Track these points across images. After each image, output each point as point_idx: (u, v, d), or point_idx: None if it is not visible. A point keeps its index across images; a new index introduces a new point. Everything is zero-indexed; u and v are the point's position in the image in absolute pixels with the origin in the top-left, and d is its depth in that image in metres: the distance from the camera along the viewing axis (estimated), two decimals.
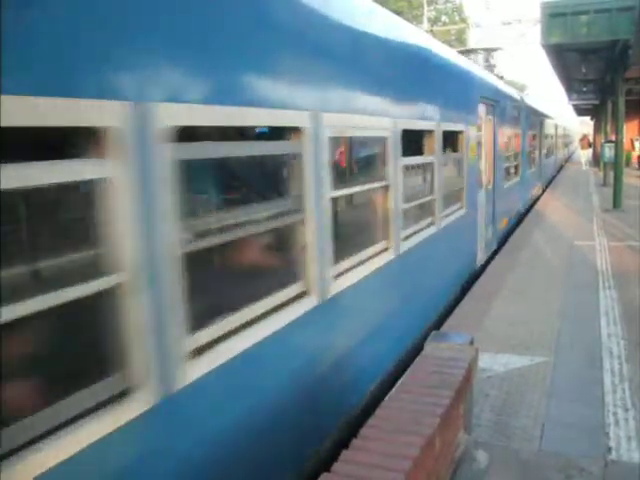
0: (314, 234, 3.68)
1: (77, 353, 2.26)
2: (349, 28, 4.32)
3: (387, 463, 2.56)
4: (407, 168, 5.52)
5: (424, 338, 4.14)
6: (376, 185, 4.95)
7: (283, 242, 3.75)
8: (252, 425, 3.11)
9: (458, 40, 44.15)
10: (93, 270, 2.17)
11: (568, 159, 45.32)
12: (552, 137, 28.27)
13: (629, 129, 27.65)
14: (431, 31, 29.53)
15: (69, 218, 2.41)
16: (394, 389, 3.40)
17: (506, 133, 12.12)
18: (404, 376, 3.63)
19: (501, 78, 15.94)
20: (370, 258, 4.71)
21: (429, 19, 42.54)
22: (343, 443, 3.00)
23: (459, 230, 8.01)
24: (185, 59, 2.61)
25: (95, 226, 2.18)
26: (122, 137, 2.20)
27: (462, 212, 8.09)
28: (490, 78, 11.29)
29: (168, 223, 2.47)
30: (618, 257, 10.10)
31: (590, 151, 37.91)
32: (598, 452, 4.01)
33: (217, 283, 3.15)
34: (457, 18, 49.63)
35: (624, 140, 17.72)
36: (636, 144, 32.13)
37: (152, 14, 2.40)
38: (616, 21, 13.23)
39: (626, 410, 4.59)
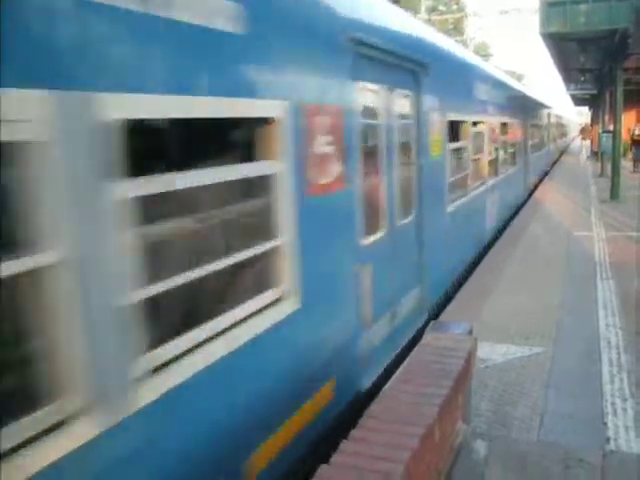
0: None
1: None
2: None
3: (386, 454, 2.54)
4: None
5: None
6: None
7: None
8: None
9: (456, 29, 43.98)
10: None
11: (561, 157, 42.32)
12: (538, 130, 20.08)
13: (627, 119, 27.52)
14: (429, 20, 29.38)
15: None
16: (393, 379, 3.37)
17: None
18: (403, 366, 3.60)
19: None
20: None
21: (426, 8, 42.40)
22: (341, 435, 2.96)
23: None
24: None
25: None
26: None
27: None
28: None
29: None
30: (616, 248, 10.08)
31: (589, 141, 37.89)
32: (597, 442, 4.01)
33: None
34: (454, 7, 49.39)
35: (622, 130, 17.67)
36: (635, 130, 32.05)
37: None
38: (615, 10, 13.14)
39: (624, 400, 4.58)
